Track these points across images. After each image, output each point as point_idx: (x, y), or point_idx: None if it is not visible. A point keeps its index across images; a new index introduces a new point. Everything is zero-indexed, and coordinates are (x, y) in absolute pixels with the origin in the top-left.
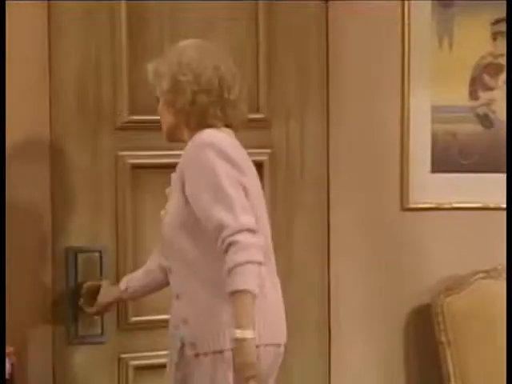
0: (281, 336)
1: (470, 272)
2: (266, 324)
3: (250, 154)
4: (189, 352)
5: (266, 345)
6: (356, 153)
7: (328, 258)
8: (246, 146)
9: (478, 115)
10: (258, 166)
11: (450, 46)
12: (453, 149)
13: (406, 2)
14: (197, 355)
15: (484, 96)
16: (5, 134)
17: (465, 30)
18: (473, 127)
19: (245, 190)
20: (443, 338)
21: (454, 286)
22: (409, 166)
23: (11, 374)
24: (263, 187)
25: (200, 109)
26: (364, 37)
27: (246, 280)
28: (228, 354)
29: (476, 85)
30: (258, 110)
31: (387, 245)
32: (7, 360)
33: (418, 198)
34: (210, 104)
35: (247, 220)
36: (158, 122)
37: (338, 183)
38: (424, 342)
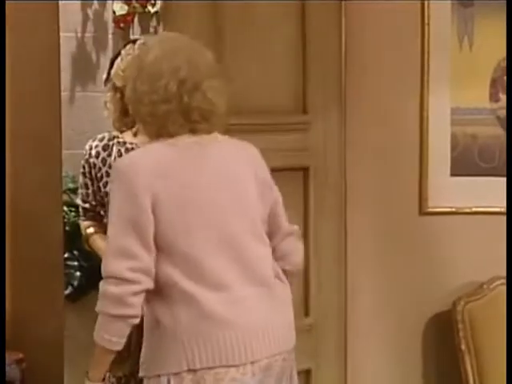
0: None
1: (491, 278)
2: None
3: (281, 157)
4: None
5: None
6: (374, 156)
7: (345, 261)
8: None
9: (498, 118)
10: (292, 169)
11: (470, 46)
12: (473, 152)
13: (426, 2)
14: None
15: (505, 98)
16: (5, 133)
17: (485, 30)
18: (493, 130)
19: (139, 222)
20: (463, 346)
21: (474, 292)
22: (428, 169)
23: (22, 381)
24: (297, 192)
25: (160, 119)
26: (383, 38)
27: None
28: None
29: (497, 86)
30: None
31: (406, 249)
32: (17, 367)
33: (436, 202)
34: (169, 113)
35: (115, 268)
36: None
37: (356, 187)
38: (443, 349)
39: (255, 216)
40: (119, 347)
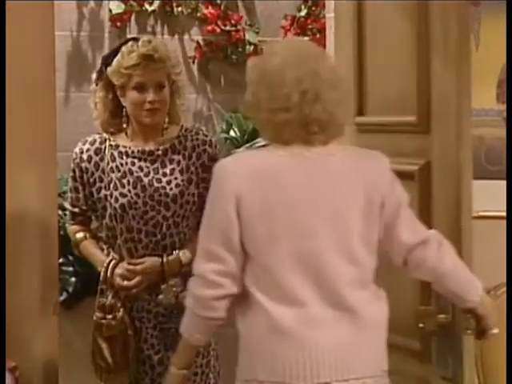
0: (254, 371)
1: (497, 284)
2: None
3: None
4: None
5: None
6: None
7: None
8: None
9: (505, 119)
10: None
11: (476, 46)
12: (479, 154)
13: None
14: None
15: None
16: (5, 136)
17: (492, 29)
18: (500, 132)
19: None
20: None
21: None
22: None
23: None
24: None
25: (277, 127)
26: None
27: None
28: None
29: (504, 87)
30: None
31: None
32: (9, 375)
33: None
34: (287, 122)
35: (202, 269)
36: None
37: None
38: None
39: (351, 234)
40: (202, 343)
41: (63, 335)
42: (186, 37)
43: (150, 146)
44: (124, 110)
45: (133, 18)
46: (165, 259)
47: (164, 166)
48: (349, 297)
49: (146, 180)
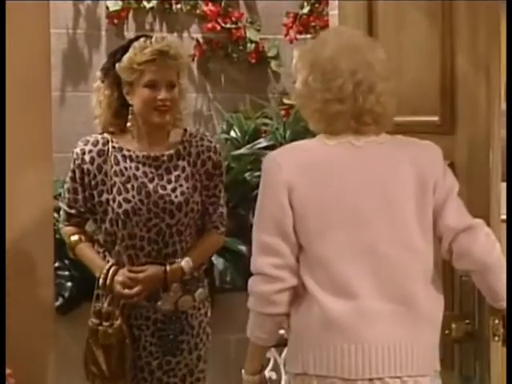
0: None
1: None
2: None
3: None
4: None
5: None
6: None
7: None
8: None
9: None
10: None
11: None
12: None
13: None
14: None
15: None
16: (4, 135)
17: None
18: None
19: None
20: None
21: None
22: None
23: None
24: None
25: (330, 118)
26: None
27: (248, 325)
28: None
29: None
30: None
31: None
32: (5, 382)
33: None
34: (340, 113)
35: (260, 264)
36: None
37: None
38: None
39: (407, 223)
40: (270, 343)
41: (59, 342)
42: (185, 34)
43: (154, 151)
44: (130, 109)
45: (130, 15)
46: (168, 267)
47: (169, 172)
48: (406, 289)
49: (150, 186)
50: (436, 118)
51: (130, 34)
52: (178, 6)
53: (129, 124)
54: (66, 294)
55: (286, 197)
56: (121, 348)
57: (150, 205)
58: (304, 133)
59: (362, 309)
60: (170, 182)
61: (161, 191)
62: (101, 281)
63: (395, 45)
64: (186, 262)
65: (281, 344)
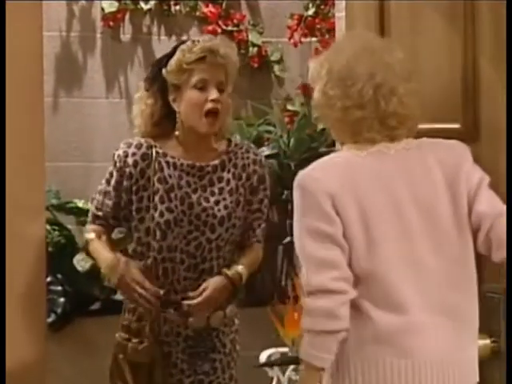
0: None
1: None
2: None
3: None
4: None
5: None
6: None
7: None
8: None
9: None
10: None
11: None
12: None
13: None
14: None
15: None
16: (4, 135)
17: None
18: None
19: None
20: None
21: None
22: None
23: None
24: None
25: (352, 125)
26: None
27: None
28: None
29: None
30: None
31: None
32: None
33: None
34: (363, 119)
35: (318, 280)
36: None
37: None
38: None
39: (445, 231)
40: (328, 364)
41: (51, 360)
42: (184, 38)
43: (199, 160)
44: (177, 116)
45: (127, 17)
46: (229, 273)
47: (212, 183)
48: (452, 301)
49: (193, 197)
50: (458, 126)
51: (126, 36)
52: (177, 7)
53: (176, 133)
54: (59, 310)
55: (332, 207)
56: (150, 367)
57: (191, 216)
58: (309, 141)
59: (412, 323)
60: (213, 194)
61: (204, 203)
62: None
63: (410, 48)
64: (242, 269)
65: (284, 362)
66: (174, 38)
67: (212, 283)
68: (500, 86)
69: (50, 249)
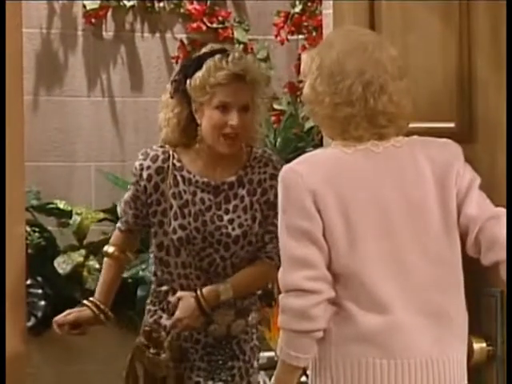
0: None
1: None
2: None
3: None
4: None
5: None
6: None
7: None
8: None
9: None
10: None
11: None
12: None
13: None
14: None
15: None
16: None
17: None
18: None
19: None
20: None
21: None
22: None
23: None
24: None
25: (341, 122)
26: None
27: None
28: None
29: None
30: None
31: None
32: None
33: None
34: (351, 116)
35: (292, 279)
36: None
37: None
38: None
39: (435, 232)
40: (306, 363)
41: (31, 365)
42: (168, 35)
43: (216, 176)
44: (199, 128)
45: (109, 14)
46: (198, 292)
47: (227, 200)
48: (437, 302)
49: (207, 215)
50: (452, 125)
51: (108, 34)
52: (161, 4)
53: (197, 145)
54: (39, 314)
55: (313, 204)
56: (164, 381)
57: (205, 234)
58: (296, 140)
59: (395, 323)
60: (227, 212)
61: (218, 222)
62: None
63: (402, 46)
64: (224, 287)
65: (271, 367)
66: (157, 35)
67: (181, 303)
68: (495, 84)
69: (30, 251)
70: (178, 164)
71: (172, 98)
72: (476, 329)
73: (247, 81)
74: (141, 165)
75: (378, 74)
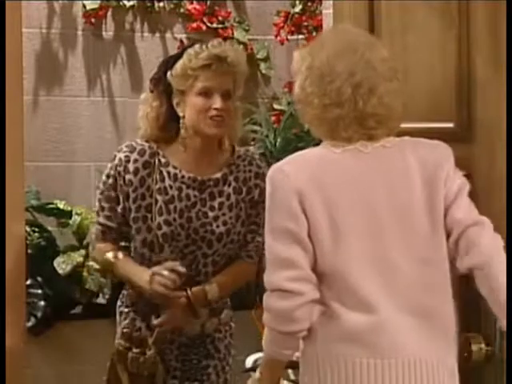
0: None
1: None
2: None
3: None
4: None
5: None
6: None
7: None
8: None
9: None
10: None
11: None
12: None
13: None
14: None
15: None
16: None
17: None
18: None
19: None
20: None
21: None
22: None
23: None
24: None
25: (329, 123)
26: None
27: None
28: None
29: None
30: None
31: None
32: None
33: None
34: (340, 118)
35: (275, 279)
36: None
37: None
38: None
39: (418, 232)
40: (291, 358)
41: (31, 365)
42: (168, 35)
43: (201, 172)
44: (181, 121)
45: (109, 14)
46: (189, 292)
47: (212, 198)
48: (423, 302)
49: (193, 211)
50: (451, 125)
51: (108, 34)
52: (161, 4)
53: (180, 138)
54: (39, 314)
55: (298, 204)
56: (152, 380)
57: (189, 231)
58: (296, 140)
59: (382, 323)
60: (212, 209)
61: (203, 219)
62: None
63: (401, 46)
64: (210, 287)
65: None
66: (157, 35)
67: (172, 303)
68: (494, 84)
69: (29, 251)
70: (163, 160)
71: (152, 92)
72: (474, 329)
73: (228, 62)
74: (127, 156)
75: (368, 76)
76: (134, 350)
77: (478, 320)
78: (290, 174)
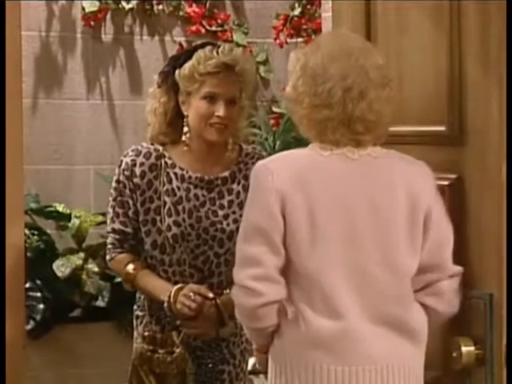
0: None
1: None
2: None
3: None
4: None
5: None
6: None
7: None
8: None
9: None
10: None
11: None
12: None
13: None
14: None
15: None
16: (4, 140)
17: None
18: None
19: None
20: None
21: None
22: None
23: None
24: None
25: (318, 124)
26: None
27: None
28: None
29: None
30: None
31: None
32: None
33: None
34: (328, 120)
35: (239, 276)
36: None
37: None
38: None
39: (396, 243)
40: (267, 342)
41: (31, 368)
42: (167, 38)
43: (208, 172)
44: (185, 120)
45: (108, 16)
46: (218, 301)
47: (221, 196)
48: (394, 313)
49: (202, 211)
50: (443, 128)
51: (107, 36)
52: (160, 7)
53: (184, 137)
54: (38, 317)
55: (278, 206)
56: (181, 378)
57: (199, 230)
58: (295, 143)
59: (350, 330)
60: (222, 207)
61: (212, 218)
62: (165, 303)
63: (396, 49)
64: None
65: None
66: (156, 38)
67: (202, 311)
68: (485, 87)
69: (28, 254)
70: (169, 161)
71: (159, 87)
72: (464, 332)
73: (236, 71)
74: (133, 160)
75: (360, 80)
76: (160, 351)
77: (468, 323)
78: (273, 172)
